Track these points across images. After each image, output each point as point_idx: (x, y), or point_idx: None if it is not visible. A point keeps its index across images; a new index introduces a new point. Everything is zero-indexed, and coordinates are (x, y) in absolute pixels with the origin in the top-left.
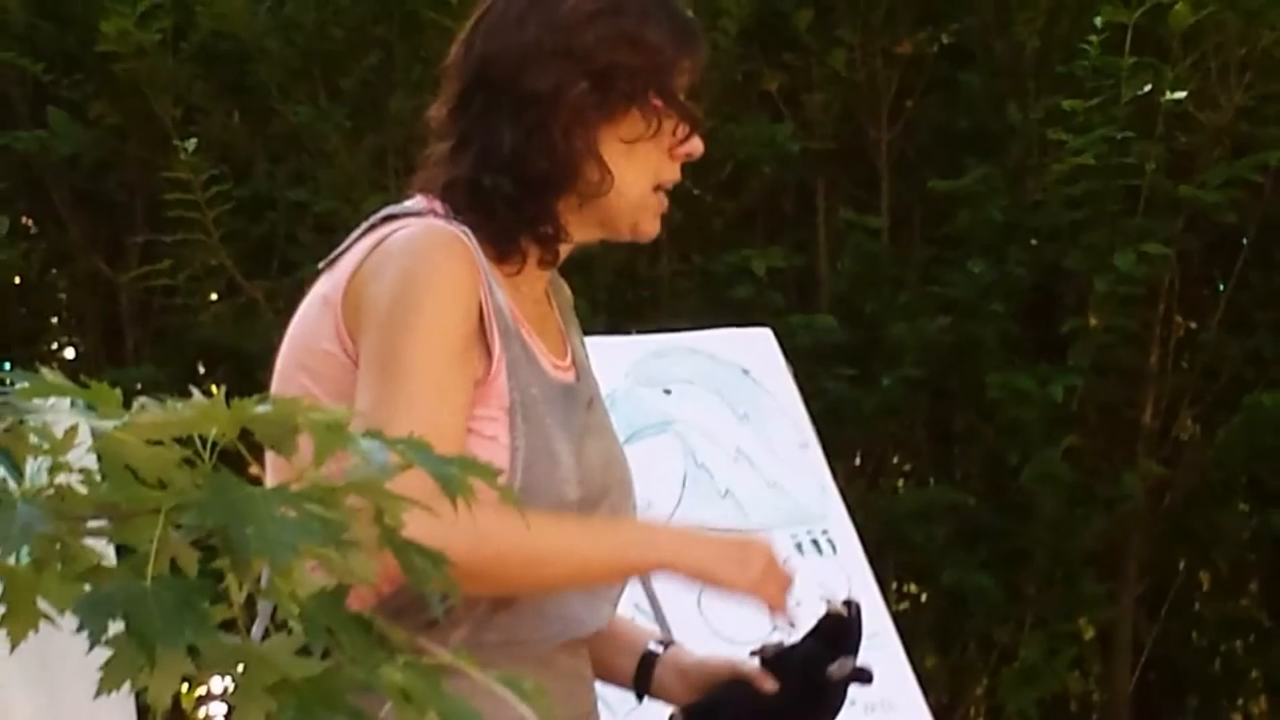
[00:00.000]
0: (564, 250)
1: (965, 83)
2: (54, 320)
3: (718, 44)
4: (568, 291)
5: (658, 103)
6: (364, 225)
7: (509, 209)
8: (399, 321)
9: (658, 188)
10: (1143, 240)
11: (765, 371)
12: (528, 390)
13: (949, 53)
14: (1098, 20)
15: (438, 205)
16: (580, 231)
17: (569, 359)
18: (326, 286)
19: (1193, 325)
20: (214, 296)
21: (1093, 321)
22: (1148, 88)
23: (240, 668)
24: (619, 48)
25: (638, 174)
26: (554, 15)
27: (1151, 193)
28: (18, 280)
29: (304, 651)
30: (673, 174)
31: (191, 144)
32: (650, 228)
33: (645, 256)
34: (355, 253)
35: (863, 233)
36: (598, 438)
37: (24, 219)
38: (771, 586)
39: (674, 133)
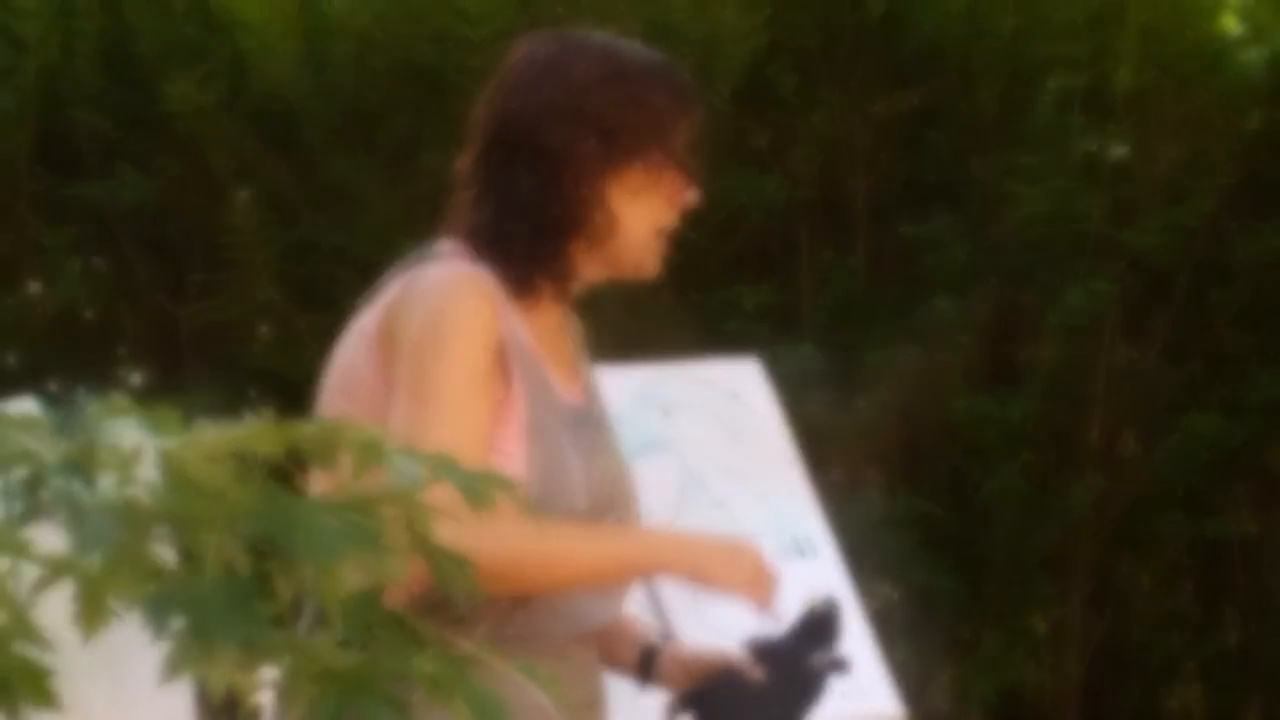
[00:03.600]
0: (575, 288)
1: (933, 140)
2: (121, 351)
3: (712, 105)
4: (579, 325)
5: (659, 157)
6: (398, 266)
7: (525, 251)
8: (428, 352)
9: (659, 232)
10: (1090, 280)
11: (754, 396)
12: (543, 412)
13: (919, 113)
14: (1051, 84)
15: (463, 248)
16: (589, 271)
17: (580, 384)
18: (365, 320)
19: (1134, 355)
20: (264, 329)
21: (1046, 352)
22: (1094, 144)
23: (288, 659)
24: (625, 109)
25: (641, 220)
26: (566, 79)
27: (1097, 238)
28: (89, 315)
29: (344, 645)
30: (671, 220)
31: (245, 193)
32: (652, 267)
33: (647, 293)
34: (390, 290)
35: (842, 272)
36: (605, 454)
37: (94, 260)
38: (760, 585)
39: (673, 183)
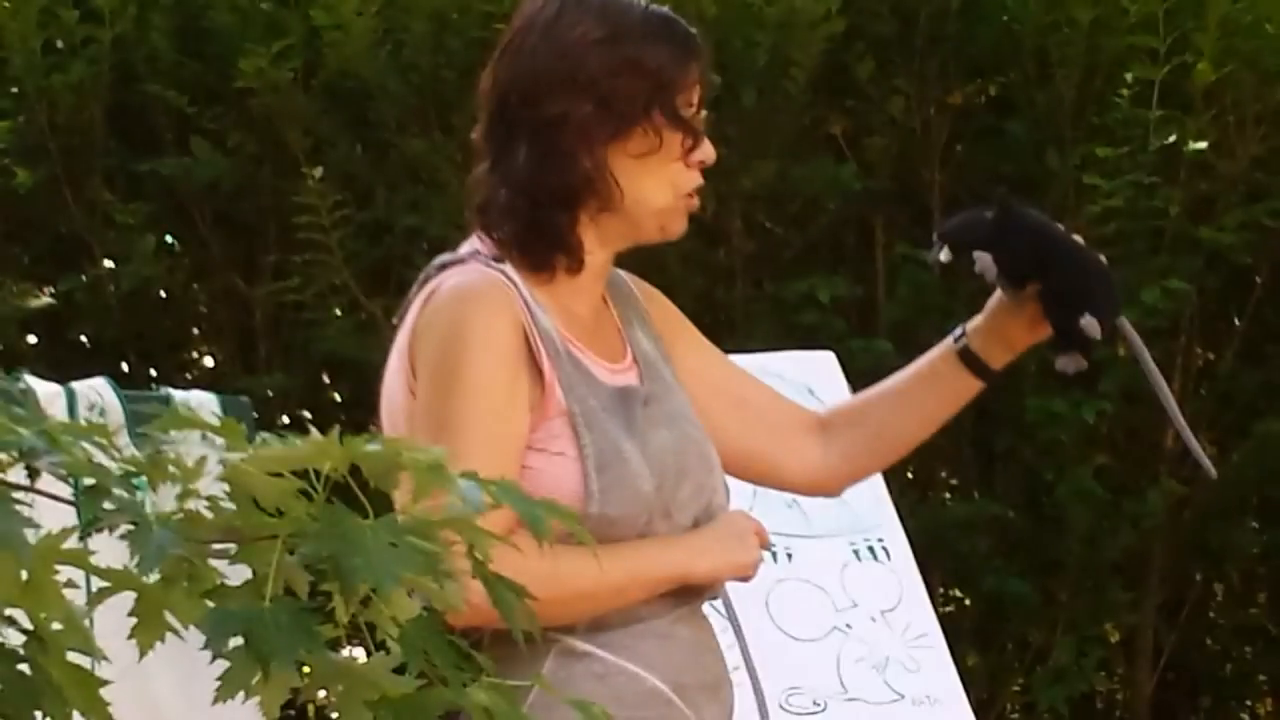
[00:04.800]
0: (597, 259)
1: (1009, 131)
2: (194, 331)
3: (788, 92)
4: (635, 289)
5: (661, 119)
6: (421, 276)
7: (526, 225)
8: (444, 383)
9: (680, 193)
10: (1166, 277)
11: (828, 391)
12: (585, 402)
13: (995, 104)
14: (1128, 76)
15: (482, 242)
16: (605, 241)
17: (628, 358)
18: (399, 340)
19: (1211, 357)
20: (337, 312)
21: (1121, 352)
22: (1172, 138)
23: (343, 684)
24: (620, 73)
25: (655, 184)
26: (561, 44)
27: (1174, 234)
28: (163, 294)
29: (400, 670)
30: (691, 180)
31: (318, 172)
32: (677, 228)
33: (722, 284)
34: (414, 307)
35: (917, 265)
36: (665, 427)
37: (168, 238)
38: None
39: (681, 144)
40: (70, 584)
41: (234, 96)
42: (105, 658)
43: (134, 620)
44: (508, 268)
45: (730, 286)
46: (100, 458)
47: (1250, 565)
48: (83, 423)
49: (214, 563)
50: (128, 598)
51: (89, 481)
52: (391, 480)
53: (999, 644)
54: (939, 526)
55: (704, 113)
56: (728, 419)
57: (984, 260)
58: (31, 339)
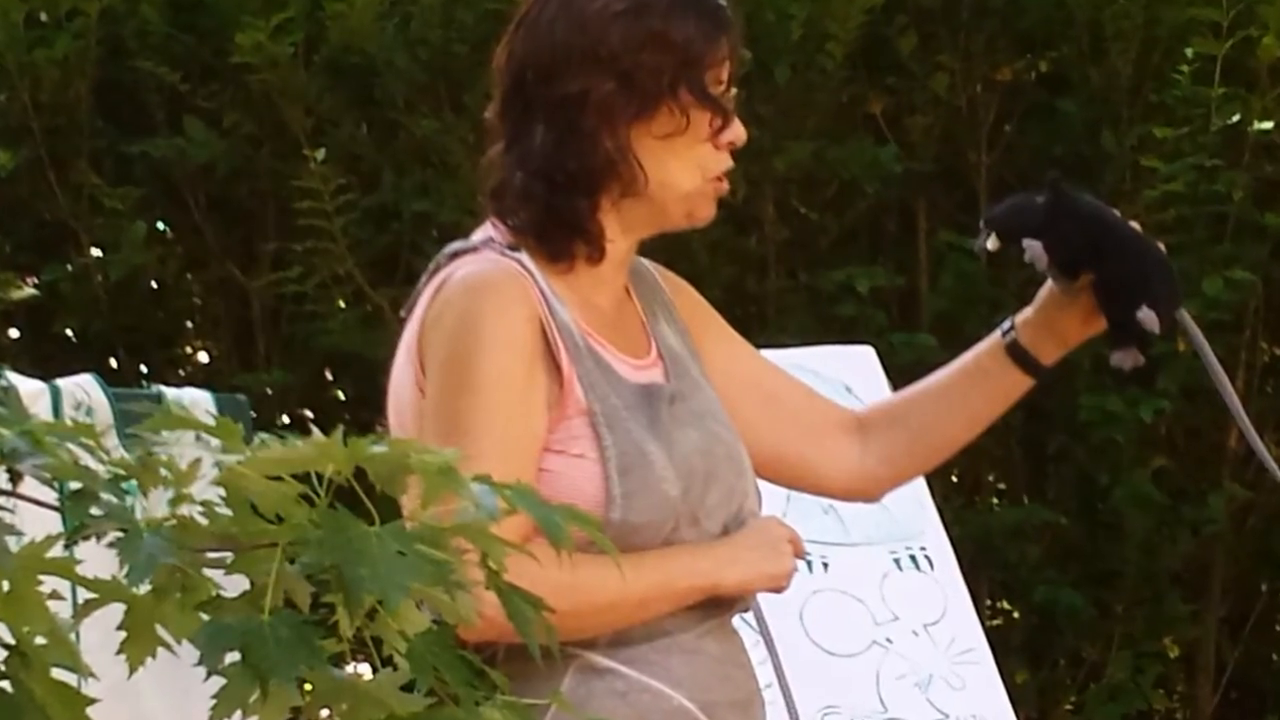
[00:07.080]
0: (619, 247)
1: (1062, 110)
2: (189, 324)
3: (825, 68)
4: (660, 280)
5: (688, 97)
6: (431, 266)
7: (543, 210)
8: (455, 380)
9: (708, 176)
10: (1230, 267)
11: (867, 388)
12: (607, 400)
13: (1046, 80)
14: (1189, 51)
15: (496, 228)
16: (627, 228)
17: (653, 353)
18: (407, 334)
19: (1277, 351)
20: (341, 304)
21: (1181, 347)
22: (1236, 117)
23: (348, 703)
24: (644, 47)
25: (681, 167)
26: (581, 17)
27: (1238, 220)
28: (154, 284)
29: (408, 688)
30: (720, 163)
31: (321, 154)
32: (705, 214)
33: (754, 273)
34: (424, 298)
35: (962, 253)
36: (692, 427)
37: (160, 225)
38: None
39: (710, 124)
40: (55, 595)
41: (230, 73)
42: (92, 674)
43: (123, 634)
44: (523, 256)
45: (762, 276)
46: (87, 460)
47: None
48: (68, 422)
49: (209, 572)
50: (117, 610)
51: (75, 485)
52: (399, 484)
53: (1050, 659)
54: (986, 534)
55: (734, 90)
56: (759, 418)
57: (1034, 249)
58: (14, 332)
